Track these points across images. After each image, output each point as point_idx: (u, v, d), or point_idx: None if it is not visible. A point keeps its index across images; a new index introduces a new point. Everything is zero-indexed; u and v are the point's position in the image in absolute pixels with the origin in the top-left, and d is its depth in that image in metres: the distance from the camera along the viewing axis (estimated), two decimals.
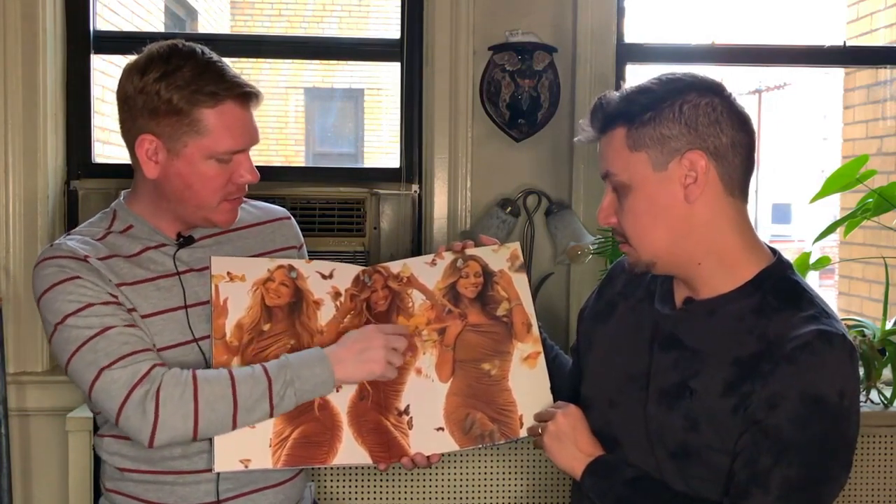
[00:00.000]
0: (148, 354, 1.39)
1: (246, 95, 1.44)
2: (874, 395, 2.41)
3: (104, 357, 1.36)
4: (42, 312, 1.43)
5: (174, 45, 1.44)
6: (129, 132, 1.46)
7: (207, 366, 1.45)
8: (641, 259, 1.32)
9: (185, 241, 1.52)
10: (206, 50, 1.46)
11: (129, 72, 1.45)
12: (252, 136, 1.47)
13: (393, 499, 2.29)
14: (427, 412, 1.48)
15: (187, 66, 1.41)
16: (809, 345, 1.20)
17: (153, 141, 1.43)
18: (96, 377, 1.36)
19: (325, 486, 2.27)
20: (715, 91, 1.28)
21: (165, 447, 1.44)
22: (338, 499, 2.28)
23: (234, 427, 1.39)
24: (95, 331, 1.38)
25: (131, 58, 1.47)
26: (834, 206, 4.18)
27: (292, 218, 1.69)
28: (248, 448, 1.42)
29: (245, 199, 1.62)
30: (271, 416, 1.41)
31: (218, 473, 1.46)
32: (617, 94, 1.32)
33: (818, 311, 1.26)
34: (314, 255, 1.69)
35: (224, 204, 1.48)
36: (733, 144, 1.27)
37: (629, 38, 2.51)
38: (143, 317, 1.45)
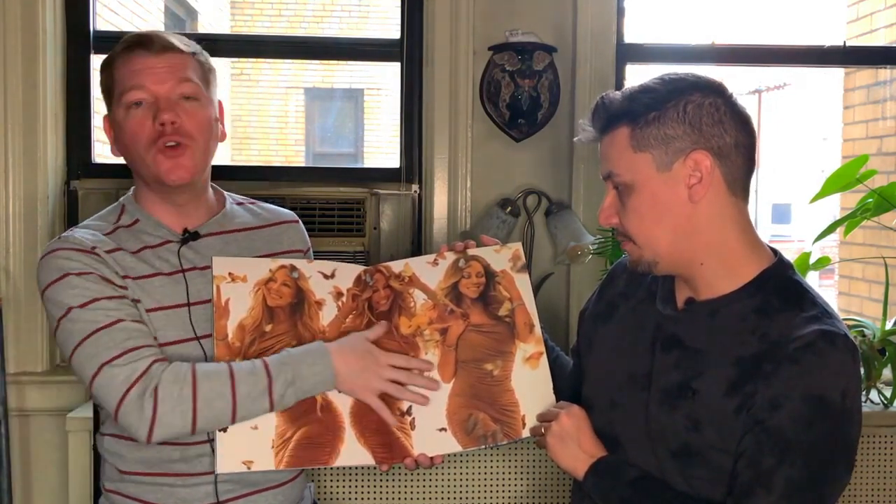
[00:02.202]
0: (149, 350, 1.40)
1: (131, 45, 1.49)
2: (874, 395, 2.41)
3: (105, 351, 1.37)
4: (47, 304, 1.44)
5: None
6: None
7: None
8: (644, 258, 1.32)
9: (190, 236, 1.52)
10: (152, 31, 1.56)
11: None
12: (156, 77, 1.46)
13: (393, 499, 2.29)
14: (429, 412, 1.48)
15: (117, 47, 1.52)
16: (812, 345, 1.20)
17: (106, 120, 1.53)
18: (97, 372, 1.37)
19: (325, 487, 2.27)
20: (717, 91, 1.28)
21: (164, 449, 1.44)
22: (337, 499, 2.28)
23: (234, 422, 1.40)
24: (99, 325, 1.39)
25: None
26: (834, 206, 4.18)
27: (300, 222, 1.69)
28: (251, 449, 1.42)
29: (253, 200, 1.66)
30: (271, 411, 1.41)
31: (216, 475, 1.46)
32: (619, 93, 1.31)
33: (820, 311, 1.26)
34: (314, 255, 1.69)
35: (158, 156, 1.46)
36: (736, 144, 1.27)
37: (629, 38, 2.51)
38: (147, 311, 1.46)
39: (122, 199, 1.58)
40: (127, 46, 1.50)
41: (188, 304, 1.48)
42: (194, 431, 1.38)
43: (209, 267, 1.50)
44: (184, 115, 1.46)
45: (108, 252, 1.46)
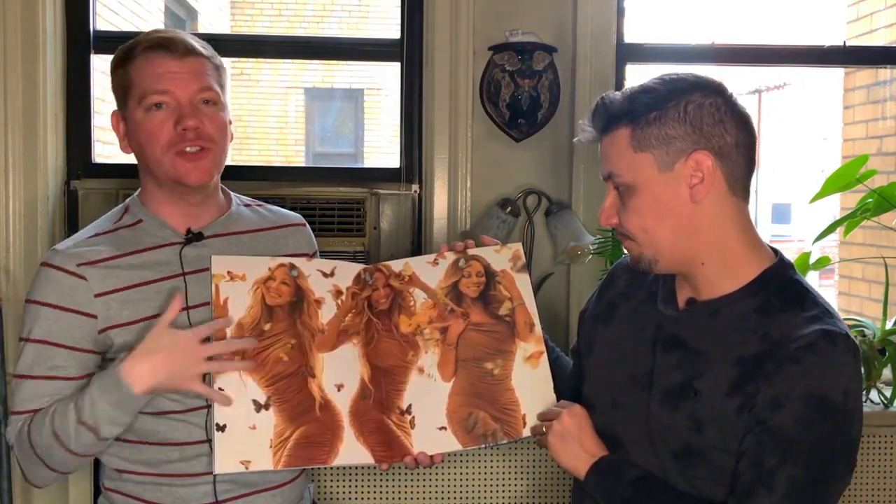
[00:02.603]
0: (23, 418, 1.45)
1: (155, 45, 1.47)
2: (874, 395, 2.42)
3: (13, 401, 1.48)
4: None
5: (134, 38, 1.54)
6: None
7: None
8: (644, 255, 1.32)
9: (193, 237, 1.52)
10: (169, 31, 1.55)
11: None
12: (180, 80, 1.46)
13: (393, 499, 2.29)
14: (429, 411, 1.48)
15: (134, 41, 1.51)
16: (814, 345, 1.20)
17: (116, 115, 1.52)
18: (9, 413, 1.48)
19: (325, 487, 2.27)
20: (718, 91, 1.29)
21: (163, 449, 1.46)
22: (337, 499, 2.28)
23: (82, 458, 1.44)
24: (27, 373, 1.45)
25: None
26: (834, 206, 4.18)
27: (307, 225, 1.69)
28: (249, 449, 1.42)
29: (261, 202, 1.66)
30: (101, 441, 1.41)
31: (215, 475, 1.46)
32: (619, 93, 1.31)
33: (821, 310, 1.26)
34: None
35: (177, 160, 1.46)
36: (737, 144, 1.27)
37: (629, 38, 2.51)
38: (142, 320, 1.46)
39: (128, 200, 1.58)
40: (149, 47, 1.48)
41: (187, 308, 1.47)
42: (62, 473, 1.47)
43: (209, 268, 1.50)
44: (206, 120, 1.47)
45: (104, 260, 1.47)
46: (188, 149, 1.46)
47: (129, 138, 1.51)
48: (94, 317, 1.45)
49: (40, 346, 1.45)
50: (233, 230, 1.57)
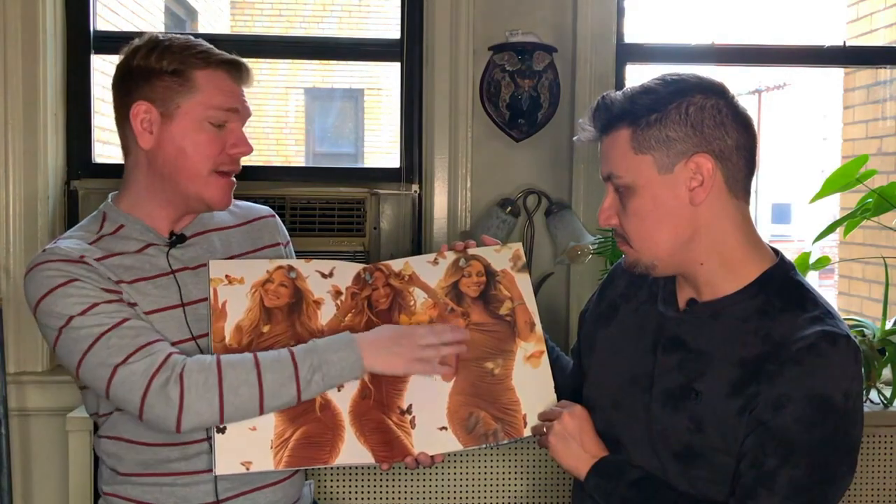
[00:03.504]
0: (162, 344, 1.39)
1: (232, 64, 1.49)
2: (874, 395, 2.41)
3: (117, 353, 1.35)
4: (41, 318, 1.41)
5: (160, 33, 1.53)
6: (124, 108, 1.47)
7: None
8: (641, 260, 1.32)
9: (176, 239, 1.52)
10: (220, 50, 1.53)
11: (121, 60, 1.51)
12: (244, 106, 1.51)
13: (393, 498, 2.29)
14: (430, 411, 1.48)
15: (178, 40, 1.49)
16: (815, 346, 1.20)
17: (148, 108, 1.45)
18: (112, 374, 1.35)
19: (325, 486, 2.27)
20: (719, 93, 1.28)
21: (163, 449, 1.45)
22: (337, 498, 2.28)
23: (262, 412, 1.39)
24: (105, 327, 1.36)
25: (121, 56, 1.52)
26: (834, 206, 4.17)
27: (276, 216, 1.70)
28: (250, 450, 1.42)
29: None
30: (299, 400, 1.40)
31: (215, 476, 1.45)
32: (620, 94, 1.31)
33: (822, 311, 1.26)
34: (314, 255, 1.69)
35: (214, 177, 1.48)
36: (737, 147, 1.27)
37: (629, 38, 2.51)
38: (144, 314, 1.45)
39: (101, 206, 1.55)
40: (224, 62, 1.48)
41: (182, 305, 1.48)
42: (223, 420, 1.37)
43: (200, 266, 1.50)
44: None
45: (98, 260, 1.45)
46: (226, 169, 1.49)
47: (161, 134, 1.46)
48: (120, 292, 1.43)
49: (96, 309, 1.37)
50: (208, 228, 1.57)
